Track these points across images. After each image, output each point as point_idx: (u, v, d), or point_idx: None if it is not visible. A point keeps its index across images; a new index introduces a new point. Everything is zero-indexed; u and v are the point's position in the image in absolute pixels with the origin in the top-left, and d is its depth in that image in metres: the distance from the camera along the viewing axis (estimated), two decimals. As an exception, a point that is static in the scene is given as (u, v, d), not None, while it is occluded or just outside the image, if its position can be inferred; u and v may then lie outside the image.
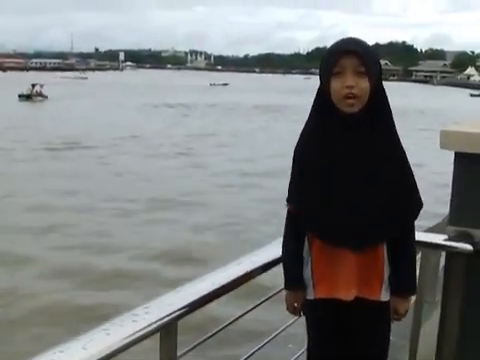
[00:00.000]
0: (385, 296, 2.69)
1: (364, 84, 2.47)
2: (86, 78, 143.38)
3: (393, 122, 2.61)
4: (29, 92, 66.30)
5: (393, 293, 2.72)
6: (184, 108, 62.55)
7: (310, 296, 2.71)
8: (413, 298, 3.04)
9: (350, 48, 2.48)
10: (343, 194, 2.54)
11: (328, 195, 2.56)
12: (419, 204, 2.67)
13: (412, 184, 2.65)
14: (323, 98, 2.56)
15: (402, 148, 2.63)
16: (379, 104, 2.56)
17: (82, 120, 45.45)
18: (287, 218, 2.75)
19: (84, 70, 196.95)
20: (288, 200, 2.71)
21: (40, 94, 66.71)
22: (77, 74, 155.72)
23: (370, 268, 2.63)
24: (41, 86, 67.35)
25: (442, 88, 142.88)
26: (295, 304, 2.79)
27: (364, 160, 2.54)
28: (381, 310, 2.71)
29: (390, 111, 2.60)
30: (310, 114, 2.64)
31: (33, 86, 67.23)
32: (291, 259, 2.73)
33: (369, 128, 2.54)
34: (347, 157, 2.53)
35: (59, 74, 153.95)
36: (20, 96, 65.17)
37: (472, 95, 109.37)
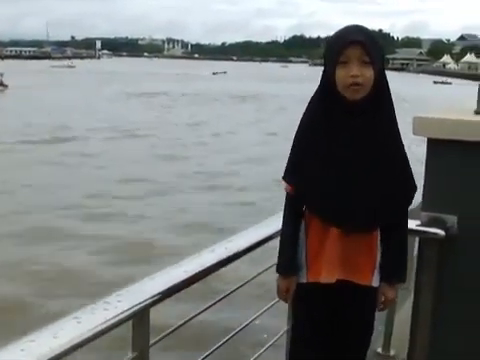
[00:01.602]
0: (376, 282, 2.72)
1: (369, 73, 2.51)
2: (74, 66, 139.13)
3: (393, 109, 2.66)
4: None
5: (383, 279, 2.75)
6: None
7: (302, 279, 2.73)
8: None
9: (356, 38, 2.50)
10: (343, 178, 2.57)
11: (329, 177, 2.59)
12: (413, 189, 2.72)
13: (408, 170, 2.70)
14: (327, 85, 2.59)
15: (400, 135, 2.67)
16: (382, 91, 2.60)
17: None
18: (286, 200, 2.77)
19: (60, 58, 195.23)
20: (285, 178, 2.72)
21: (1, 83, 62.53)
22: (64, 63, 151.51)
23: (363, 253, 2.67)
24: (1, 75, 62.91)
25: (414, 76, 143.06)
26: (286, 290, 2.78)
27: (366, 146, 2.58)
28: (370, 296, 2.75)
29: (391, 99, 2.65)
30: (312, 99, 2.68)
31: None
32: (288, 243, 2.75)
33: (372, 115, 2.58)
34: (349, 142, 2.57)
35: (48, 63, 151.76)
36: None
37: (435, 82, 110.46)
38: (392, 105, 2.65)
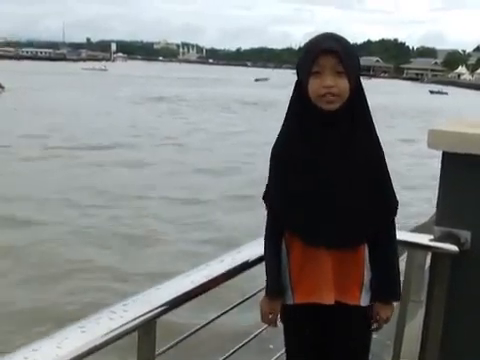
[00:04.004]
0: (365, 301, 2.63)
1: (343, 83, 2.43)
2: (106, 70, 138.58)
3: (372, 119, 2.57)
4: None
5: (376, 298, 2.67)
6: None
7: (289, 301, 2.65)
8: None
9: (329, 47, 2.40)
10: (320, 191, 2.49)
11: (306, 192, 2.51)
12: (395, 205, 2.62)
13: (388, 184, 2.61)
14: (301, 95, 2.51)
15: (380, 146, 2.59)
16: (358, 101, 2.52)
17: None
18: (267, 219, 2.69)
19: (75, 60, 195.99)
20: (264, 197, 2.65)
21: None
22: (96, 66, 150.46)
23: (349, 272, 2.58)
24: None
25: (425, 86, 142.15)
26: (271, 314, 2.71)
27: (343, 159, 2.49)
28: (361, 315, 2.65)
29: (368, 108, 2.56)
30: (288, 111, 2.59)
31: None
32: (271, 265, 2.67)
33: (348, 126, 2.49)
34: (326, 155, 2.49)
35: (81, 65, 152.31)
36: None
37: (431, 92, 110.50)
38: (369, 115, 2.56)
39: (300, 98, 2.52)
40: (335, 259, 2.55)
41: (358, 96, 2.51)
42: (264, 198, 2.65)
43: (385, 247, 2.64)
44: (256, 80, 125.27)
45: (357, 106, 2.51)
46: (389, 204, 2.61)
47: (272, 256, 2.66)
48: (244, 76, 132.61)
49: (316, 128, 2.50)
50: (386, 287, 2.67)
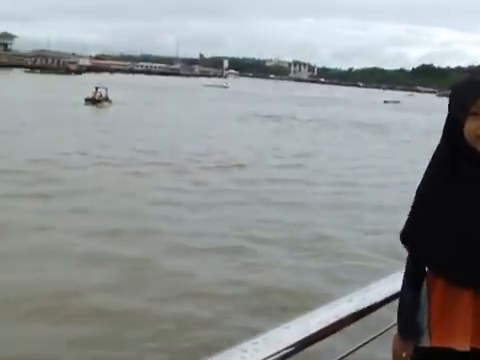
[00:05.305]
0: None
1: None
2: (227, 87, 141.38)
3: None
4: (93, 96, 59.72)
5: None
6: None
7: (425, 343, 2.55)
8: None
9: None
10: (470, 234, 2.39)
11: (454, 234, 2.41)
12: None
13: None
14: (454, 132, 2.42)
15: None
16: None
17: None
18: (408, 259, 2.61)
19: (188, 76, 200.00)
20: (405, 239, 2.57)
21: (106, 98, 60.20)
22: (217, 82, 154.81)
23: None
24: (106, 89, 60.56)
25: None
26: (404, 354, 2.63)
27: None
28: None
29: None
30: (438, 147, 2.51)
31: (96, 89, 60.49)
32: (407, 306, 2.59)
33: None
34: (477, 197, 2.38)
35: (203, 81, 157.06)
36: (86, 100, 58.90)
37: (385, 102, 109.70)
38: None
39: (451, 138, 2.44)
40: (478, 303, 2.43)
41: None
42: (404, 239, 2.57)
43: None
44: (385, 102, 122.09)
45: None
46: None
47: (409, 297, 2.58)
48: (362, 96, 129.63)
49: (470, 168, 2.40)
50: None
